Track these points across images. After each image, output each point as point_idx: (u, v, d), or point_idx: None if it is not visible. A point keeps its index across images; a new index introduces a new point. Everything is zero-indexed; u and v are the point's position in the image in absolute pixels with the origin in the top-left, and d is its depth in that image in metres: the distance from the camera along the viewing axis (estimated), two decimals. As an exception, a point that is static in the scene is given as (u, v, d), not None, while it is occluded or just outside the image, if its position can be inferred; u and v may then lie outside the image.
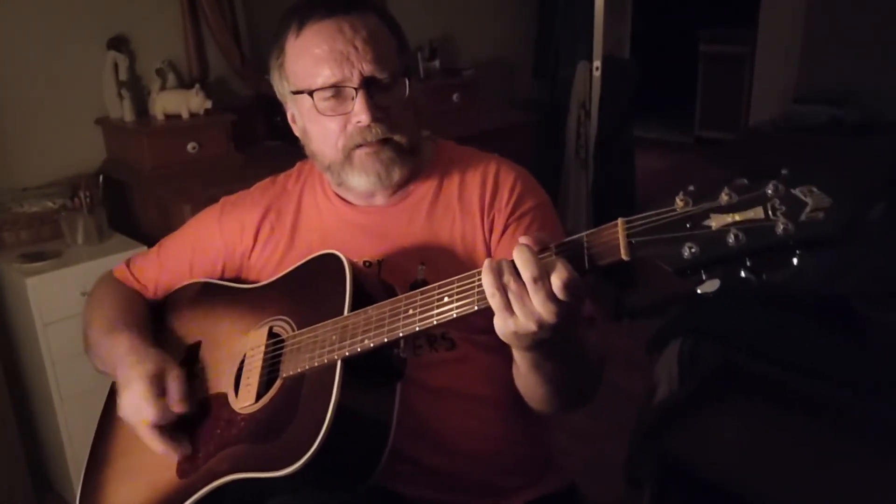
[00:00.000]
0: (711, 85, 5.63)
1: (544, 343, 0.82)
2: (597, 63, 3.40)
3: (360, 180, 1.08)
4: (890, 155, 3.50)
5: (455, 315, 0.84)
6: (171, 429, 1.03)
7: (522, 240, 0.79)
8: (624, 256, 0.73)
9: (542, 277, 0.76)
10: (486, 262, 0.80)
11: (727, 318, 1.90)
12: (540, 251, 0.79)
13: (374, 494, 0.96)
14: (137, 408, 1.02)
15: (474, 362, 1.07)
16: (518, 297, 0.78)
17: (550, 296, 0.76)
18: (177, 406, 1.02)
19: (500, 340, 1.08)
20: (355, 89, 1.03)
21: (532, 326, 0.78)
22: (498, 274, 0.78)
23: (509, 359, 1.08)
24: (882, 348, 1.77)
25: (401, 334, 0.89)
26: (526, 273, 0.76)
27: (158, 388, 1.02)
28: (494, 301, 0.79)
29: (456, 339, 1.06)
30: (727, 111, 5.42)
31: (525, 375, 0.95)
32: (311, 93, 1.05)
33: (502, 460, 1.08)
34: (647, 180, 4.25)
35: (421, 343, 1.05)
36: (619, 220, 0.74)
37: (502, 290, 0.78)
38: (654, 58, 4.89)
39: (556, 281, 0.75)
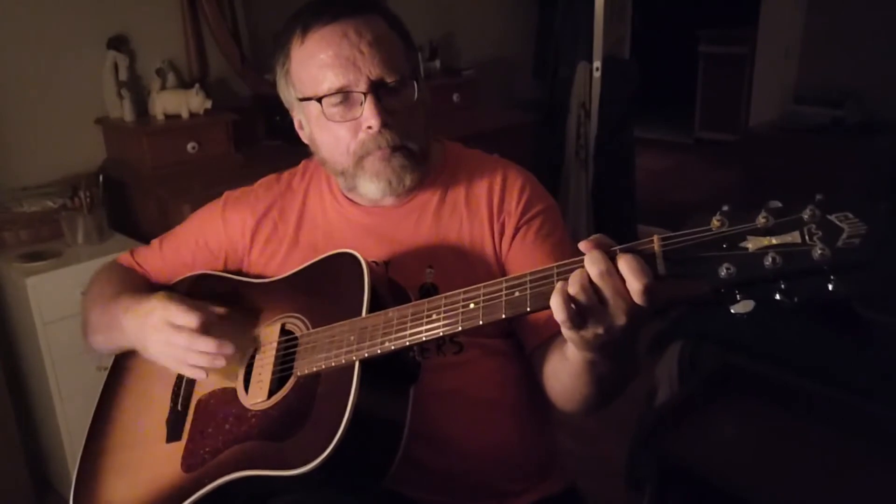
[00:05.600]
0: (711, 85, 5.64)
1: (609, 344, 0.80)
2: (597, 63, 3.40)
3: (372, 187, 1.07)
4: (890, 155, 3.50)
5: (481, 322, 0.84)
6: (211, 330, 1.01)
7: (583, 245, 0.77)
8: (661, 272, 0.73)
9: None
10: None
11: (727, 319, 1.89)
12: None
13: (378, 497, 0.96)
14: (168, 332, 1.01)
15: (481, 366, 1.06)
16: None
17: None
18: (205, 310, 1.02)
19: (506, 345, 1.08)
20: (363, 94, 1.01)
21: (598, 328, 0.77)
22: None
23: (516, 363, 1.09)
24: (883, 349, 1.77)
25: (424, 338, 0.88)
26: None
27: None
28: None
29: (463, 343, 1.06)
30: (727, 112, 5.43)
31: (577, 374, 0.91)
32: (318, 99, 1.03)
33: (507, 463, 1.07)
34: (647, 181, 4.25)
35: (428, 346, 1.04)
36: (655, 237, 0.74)
37: None
38: (654, 58, 4.89)
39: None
